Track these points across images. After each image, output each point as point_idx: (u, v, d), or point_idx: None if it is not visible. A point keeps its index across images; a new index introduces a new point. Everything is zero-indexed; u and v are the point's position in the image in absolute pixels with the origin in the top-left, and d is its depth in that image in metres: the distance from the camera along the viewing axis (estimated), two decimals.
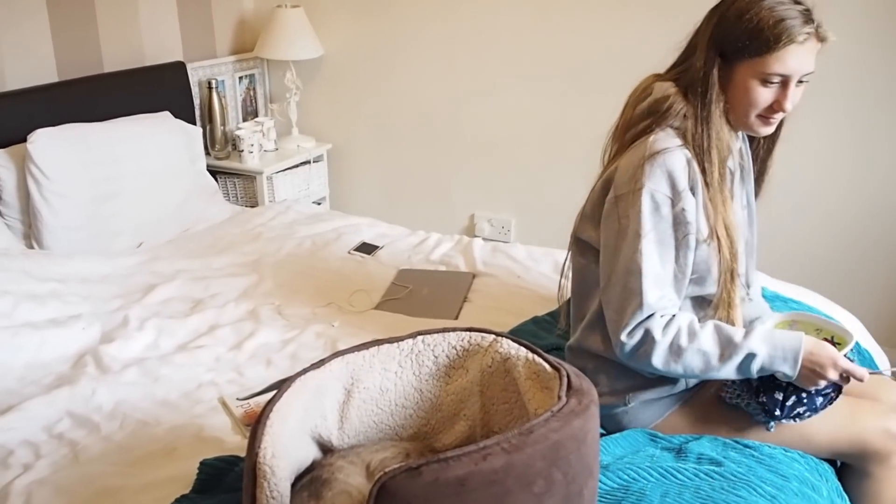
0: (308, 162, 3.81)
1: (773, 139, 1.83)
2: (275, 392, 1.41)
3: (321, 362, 1.53)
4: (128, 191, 2.86)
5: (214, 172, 3.58)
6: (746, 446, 1.72)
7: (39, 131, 2.69)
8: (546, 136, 3.55)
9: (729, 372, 1.63)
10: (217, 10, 3.76)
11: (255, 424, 1.34)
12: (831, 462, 1.84)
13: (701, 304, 1.75)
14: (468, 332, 1.58)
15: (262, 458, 1.29)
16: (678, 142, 1.64)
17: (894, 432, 1.74)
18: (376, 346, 1.57)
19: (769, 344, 1.60)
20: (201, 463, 1.62)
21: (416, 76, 3.74)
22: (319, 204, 3.90)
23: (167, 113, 3.24)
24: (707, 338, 1.62)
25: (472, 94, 3.64)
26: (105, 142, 2.85)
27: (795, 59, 1.57)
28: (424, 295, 2.50)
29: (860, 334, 2.40)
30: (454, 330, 1.60)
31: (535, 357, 1.49)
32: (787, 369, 1.60)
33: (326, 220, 3.11)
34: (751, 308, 1.91)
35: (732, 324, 1.69)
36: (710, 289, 1.71)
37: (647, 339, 1.62)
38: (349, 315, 2.37)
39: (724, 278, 1.68)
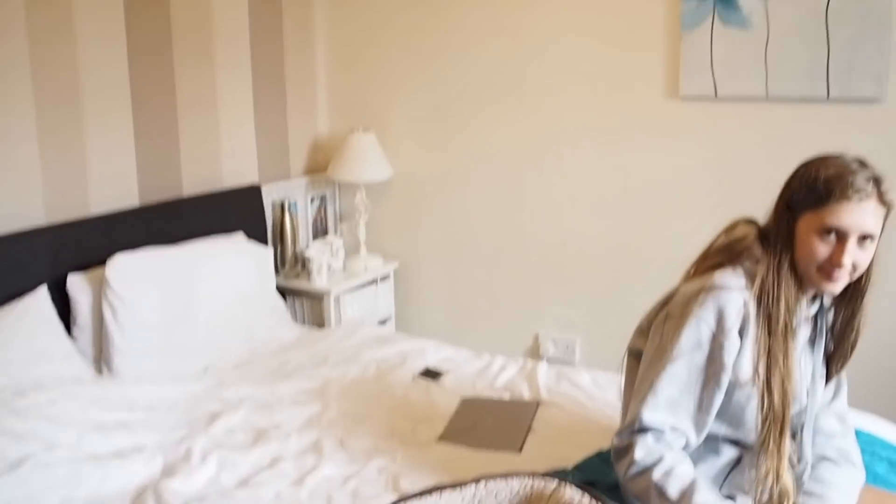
0: (375, 281, 3.86)
1: (853, 310, 1.80)
2: None
3: None
4: (200, 314, 2.93)
5: (283, 292, 3.65)
6: None
7: (118, 256, 2.78)
8: (609, 256, 3.56)
9: None
10: (293, 134, 3.91)
11: None
12: None
13: (740, 448, 1.75)
14: (531, 478, 1.56)
15: None
16: (742, 283, 1.68)
17: None
18: (439, 492, 1.56)
19: None
20: None
21: (481, 196, 3.80)
22: (385, 323, 3.93)
23: (241, 234, 3.34)
24: (675, 485, 1.62)
25: (537, 213, 3.68)
26: (180, 266, 2.94)
27: (850, 215, 1.61)
28: (488, 426, 2.47)
29: None
30: (517, 475, 1.58)
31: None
32: None
33: (392, 343, 3.12)
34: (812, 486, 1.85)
35: (779, 478, 1.66)
36: (748, 436, 1.72)
37: (629, 452, 1.66)
38: (412, 447, 2.34)
39: (771, 429, 1.66)
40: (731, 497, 1.78)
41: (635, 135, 3.42)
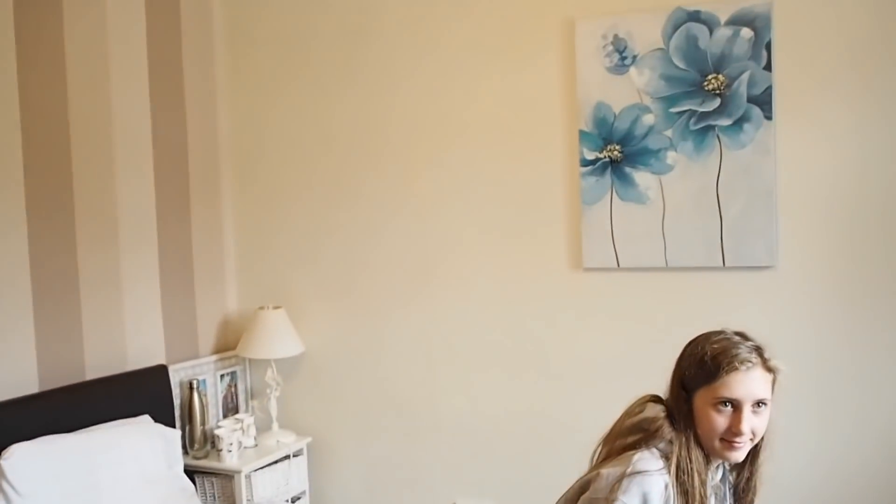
0: (288, 457, 3.80)
1: (751, 471, 1.89)
2: None
3: None
4: (101, 500, 2.83)
5: (192, 472, 3.57)
6: None
7: (14, 447, 2.70)
8: (522, 422, 3.59)
9: None
10: (201, 313, 3.91)
11: None
12: None
13: None
14: None
15: None
16: (660, 465, 1.74)
17: None
18: None
19: None
20: None
21: (393, 369, 3.83)
22: (299, 499, 3.84)
23: (147, 417, 3.27)
24: None
25: (448, 383, 3.72)
26: (81, 453, 2.86)
27: (740, 385, 1.73)
28: None
29: None
30: None
31: None
32: None
33: None
34: None
35: None
36: None
37: None
38: None
39: None
40: None
41: (542, 304, 3.53)
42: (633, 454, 1.76)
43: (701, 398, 1.75)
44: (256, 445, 3.80)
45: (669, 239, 3.24)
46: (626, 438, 1.82)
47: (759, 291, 3.19)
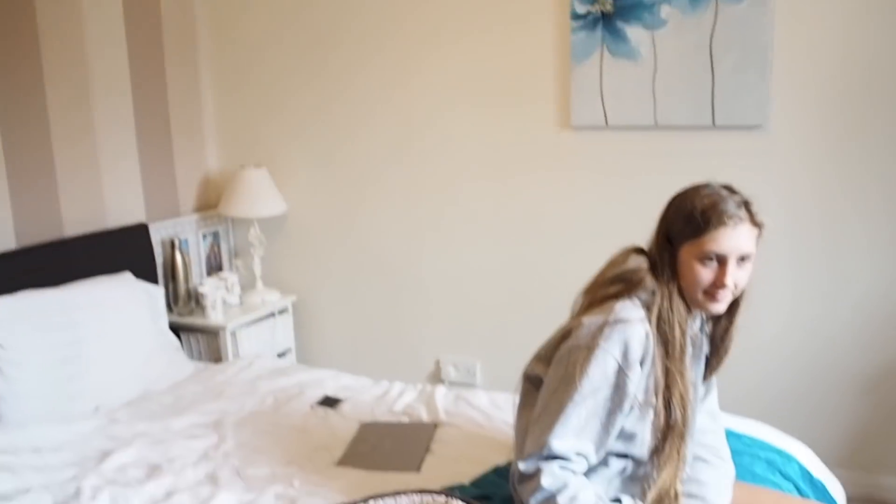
0: (273, 315, 3.83)
1: (729, 321, 1.90)
2: None
3: None
4: (87, 355, 2.85)
5: (178, 329, 3.60)
6: None
7: None
8: (507, 281, 3.62)
9: None
10: (180, 171, 3.85)
11: None
12: None
13: (627, 459, 1.82)
14: (420, 495, 1.58)
15: None
16: (641, 314, 1.75)
17: None
18: None
19: None
20: None
21: (377, 227, 3.83)
22: (284, 355, 3.90)
23: (128, 274, 3.26)
24: None
25: (434, 242, 3.73)
26: (64, 307, 2.86)
27: (728, 239, 1.72)
28: (387, 449, 2.48)
29: (809, 462, 2.42)
30: (406, 492, 1.60)
31: None
32: None
33: (289, 374, 3.10)
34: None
35: (677, 482, 1.78)
36: (638, 450, 1.79)
37: (535, 478, 1.71)
38: (310, 473, 2.33)
39: (674, 441, 1.76)
40: (617, 500, 1.84)
41: (529, 164, 3.50)
42: (615, 303, 1.76)
43: (687, 251, 1.75)
44: (241, 303, 3.82)
45: (660, 97, 3.18)
46: (608, 288, 1.83)
47: (747, 152, 3.16)
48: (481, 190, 3.60)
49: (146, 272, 3.43)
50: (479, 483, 2.18)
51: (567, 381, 1.72)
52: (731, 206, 1.73)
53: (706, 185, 1.79)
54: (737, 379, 3.29)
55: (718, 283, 1.73)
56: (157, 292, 3.33)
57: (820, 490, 2.35)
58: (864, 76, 2.99)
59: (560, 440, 1.70)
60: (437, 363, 3.84)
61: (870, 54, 2.97)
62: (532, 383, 1.90)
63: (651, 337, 1.73)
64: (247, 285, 3.98)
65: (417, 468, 2.37)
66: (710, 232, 1.71)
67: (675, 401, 1.74)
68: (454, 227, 3.68)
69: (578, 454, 1.72)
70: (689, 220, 1.73)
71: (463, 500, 1.54)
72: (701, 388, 1.95)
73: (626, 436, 1.77)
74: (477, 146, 3.57)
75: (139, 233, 3.50)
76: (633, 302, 1.76)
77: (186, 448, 2.50)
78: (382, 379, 3.13)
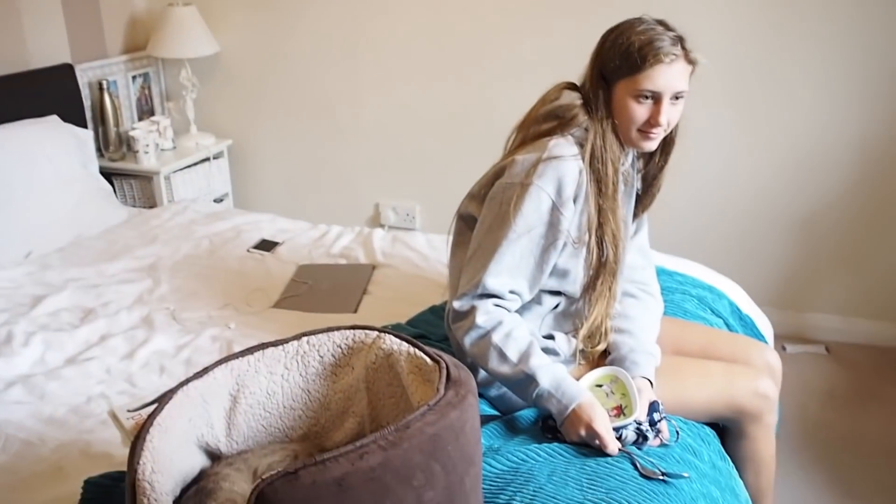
0: (208, 159, 3.75)
1: (664, 160, 1.90)
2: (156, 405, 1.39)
3: (204, 371, 1.52)
4: (15, 200, 2.78)
5: (110, 175, 3.51)
6: None
7: None
8: (446, 123, 3.57)
9: (511, 385, 1.74)
10: (106, 10, 3.66)
11: (134, 440, 1.32)
12: (714, 425, 1.92)
13: (559, 296, 1.85)
14: (352, 331, 1.59)
15: (142, 474, 1.27)
16: (575, 151, 1.72)
17: (763, 392, 1.87)
18: (261, 351, 1.57)
19: (555, 384, 1.67)
20: (85, 482, 1.57)
21: (314, 68, 3.71)
22: (221, 201, 3.85)
23: (55, 117, 3.15)
24: (514, 347, 1.70)
25: (371, 84, 3.64)
26: None
27: (663, 77, 1.68)
28: (324, 290, 2.50)
29: (739, 299, 2.49)
30: (338, 329, 1.60)
31: (417, 351, 1.50)
32: (554, 412, 1.68)
33: (226, 219, 3.07)
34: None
35: (608, 317, 1.84)
36: (571, 287, 1.81)
37: (470, 316, 1.73)
38: (247, 316, 2.34)
39: (606, 279, 1.79)
40: (549, 336, 1.87)
41: (462, 5, 3.39)
42: (549, 140, 1.74)
43: (622, 89, 1.71)
44: (175, 148, 3.74)
45: None
46: (540, 125, 1.80)
47: None
48: (418, 27, 3.49)
49: (73, 115, 3.32)
50: (414, 322, 2.22)
51: (501, 219, 1.71)
52: (666, 42, 1.68)
53: (641, 21, 1.73)
54: (673, 220, 3.37)
55: (653, 121, 1.72)
56: (86, 136, 3.23)
57: (749, 325, 2.43)
58: None
59: (494, 278, 1.71)
60: (377, 207, 3.82)
61: None
62: (465, 222, 1.89)
63: (584, 174, 1.72)
64: (180, 129, 3.88)
65: (354, 309, 2.40)
66: (646, 70, 1.67)
67: (608, 238, 1.75)
68: (392, 66, 3.58)
69: (512, 292, 1.73)
70: (626, 57, 1.69)
71: (395, 335, 1.54)
72: (632, 225, 1.97)
73: (560, 273, 1.78)
74: None
75: (64, 74, 3.35)
76: (566, 139, 1.74)
77: (120, 293, 2.49)
78: (321, 223, 3.11)
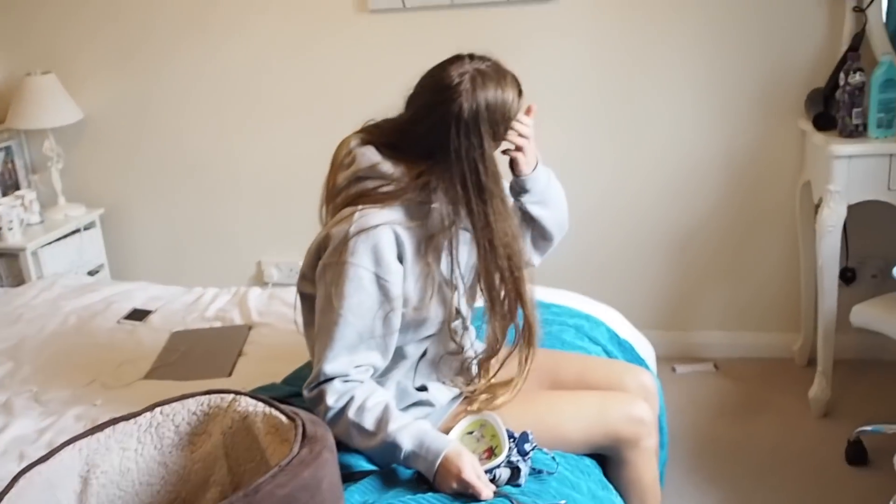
0: (78, 231, 3.63)
1: None
2: None
3: (50, 453, 1.44)
4: None
5: None
6: None
7: None
8: (320, 173, 3.53)
9: (379, 456, 1.70)
10: None
11: None
12: (596, 455, 1.91)
13: (425, 340, 1.81)
14: (207, 396, 1.53)
15: None
16: (385, 217, 1.66)
17: (637, 416, 1.86)
18: (111, 427, 1.50)
19: (417, 442, 1.64)
20: None
21: (183, 127, 3.65)
22: (94, 274, 3.72)
23: None
24: (370, 418, 1.65)
25: (245, 139, 3.60)
26: None
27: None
28: (197, 356, 2.42)
29: (617, 325, 2.51)
30: (193, 396, 1.54)
31: (272, 410, 1.45)
32: (423, 470, 1.65)
33: (95, 291, 2.95)
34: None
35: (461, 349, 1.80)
36: (431, 329, 1.78)
37: (322, 400, 1.67)
38: (115, 390, 2.25)
39: (445, 329, 1.77)
40: (422, 388, 1.84)
41: (331, 49, 3.39)
42: (352, 212, 1.67)
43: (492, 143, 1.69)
44: (42, 221, 3.62)
45: None
46: (348, 190, 1.73)
47: (542, 24, 3.18)
48: (285, 78, 3.47)
49: None
50: (290, 380, 2.16)
51: (328, 301, 1.66)
52: (514, 97, 1.72)
53: (463, 71, 1.69)
54: (555, 254, 3.39)
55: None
56: None
57: (628, 350, 2.45)
58: None
59: (332, 363, 1.65)
60: (259, 265, 3.76)
61: None
62: (305, 300, 1.83)
63: (403, 236, 1.67)
64: (49, 202, 3.74)
65: (229, 373, 2.33)
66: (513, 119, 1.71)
67: (433, 296, 1.72)
68: (262, 118, 3.55)
69: (358, 367, 1.68)
70: (478, 126, 1.64)
71: (251, 397, 1.49)
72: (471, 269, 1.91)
73: (413, 326, 1.75)
74: (279, 30, 3.43)
75: None
76: (375, 205, 1.67)
77: None
78: (198, 287, 3.02)
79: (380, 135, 1.77)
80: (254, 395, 1.50)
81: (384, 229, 1.65)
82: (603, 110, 3.25)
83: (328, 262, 1.67)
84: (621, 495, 1.90)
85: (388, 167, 1.69)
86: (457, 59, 1.72)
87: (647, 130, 3.25)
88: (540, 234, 1.96)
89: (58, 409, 2.16)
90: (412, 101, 1.75)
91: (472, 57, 1.72)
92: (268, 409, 1.46)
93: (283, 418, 1.42)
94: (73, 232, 3.63)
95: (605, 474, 1.92)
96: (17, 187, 3.76)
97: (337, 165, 1.78)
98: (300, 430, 1.37)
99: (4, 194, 3.67)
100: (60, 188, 3.69)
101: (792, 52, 3.08)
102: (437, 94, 1.68)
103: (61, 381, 2.32)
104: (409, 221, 1.69)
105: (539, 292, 2.56)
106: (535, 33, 3.17)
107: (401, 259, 1.67)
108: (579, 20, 3.16)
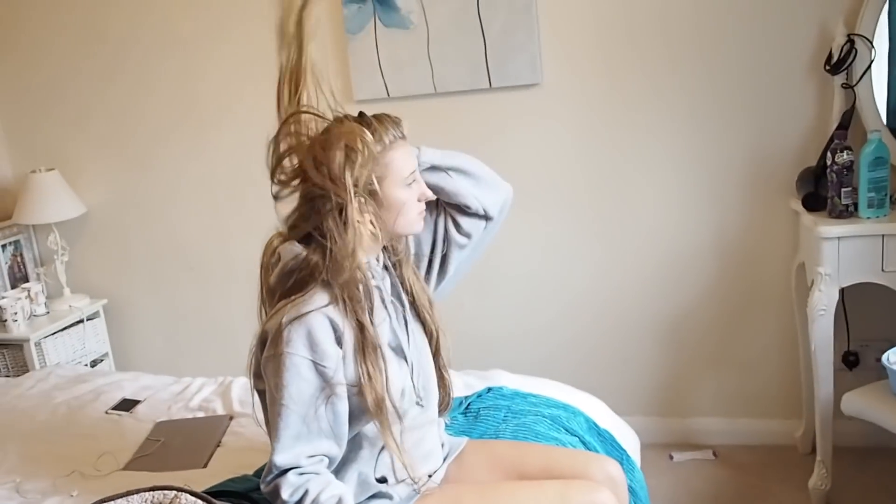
0: (82, 322, 3.70)
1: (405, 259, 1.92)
2: None
3: None
4: None
5: None
6: None
7: None
8: None
9: None
10: None
11: None
12: None
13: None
14: (150, 493, 1.56)
15: None
16: (318, 301, 1.68)
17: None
18: None
19: None
20: None
21: (180, 219, 3.75)
22: (99, 363, 3.78)
23: None
24: None
25: (237, 228, 3.67)
26: None
27: (408, 155, 1.81)
28: (176, 446, 2.44)
29: (599, 413, 2.49)
30: (137, 491, 1.57)
31: None
32: None
33: (88, 381, 2.99)
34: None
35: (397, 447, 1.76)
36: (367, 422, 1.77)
37: (277, 494, 1.65)
38: (93, 480, 2.27)
39: (380, 416, 1.72)
40: (383, 480, 1.84)
41: None
42: (286, 304, 1.69)
43: (388, 188, 1.73)
44: (48, 313, 3.70)
45: (436, 63, 3.23)
46: (282, 287, 1.74)
47: (525, 110, 3.25)
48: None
49: None
50: (261, 471, 2.16)
51: (271, 395, 1.67)
52: (388, 128, 1.75)
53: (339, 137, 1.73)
54: (539, 338, 3.41)
55: (425, 196, 1.81)
56: None
57: (608, 440, 2.40)
58: (624, 24, 3.11)
59: (282, 455, 1.65)
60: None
61: (627, 5, 3.09)
62: (261, 396, 1.83)
63: (336, 319, 1.67)
64: (55, 293, 3.84)
65: (204, 464, 2.34)
66: (393, 153, 1.74)
67: (365, 379, 1.71)
68: (254, 208, 3.61)
69: (311, 457, 1.68)
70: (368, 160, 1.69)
71: (192, 494, 1.51)
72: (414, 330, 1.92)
73: (363, 413, 1.74)
74: (265, 122, 3.49)
75: None
76: (309, 294, 1.68)
77: None
78: (215, 374, 3.03)
79: (293, 229, 1.80)
80: (194, 492, 1.52)
81: (315, 315, 1.65)
82: (587, 194, 3.28)
83: (267, 355, 1.69)
84: None
85: (309, 254, 1.72)
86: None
87: (633, 213, 3.27)
88: (456, 209, 1.98)
89: (35, 499, 2.18)
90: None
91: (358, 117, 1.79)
92: None
93: None
94: (77, 322, 3.70)
95: None
96: (27, 279, 3.86)
97: (266, 267, 1.79)
98: None
99: (13, 286, 3.77)
100: (65, 280, 3.79)
101: (782, 130, 3.07)
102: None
103: (44, 471, 2.34)
104: (336, 300, 1.69)
105: (517, 381, 2.59)
106: (518, 118, 3.24)
107: (339, 342, 1.68)
108: (562, 104, 3.22)
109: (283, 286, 1.73)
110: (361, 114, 1.79)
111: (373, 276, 1.78)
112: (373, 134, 1.71)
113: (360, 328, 1.70)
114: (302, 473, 1.67)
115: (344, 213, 1.68)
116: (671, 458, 3.31)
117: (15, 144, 3.86)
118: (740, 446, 3.37)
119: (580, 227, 3.32)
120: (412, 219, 1.79)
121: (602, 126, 3.21)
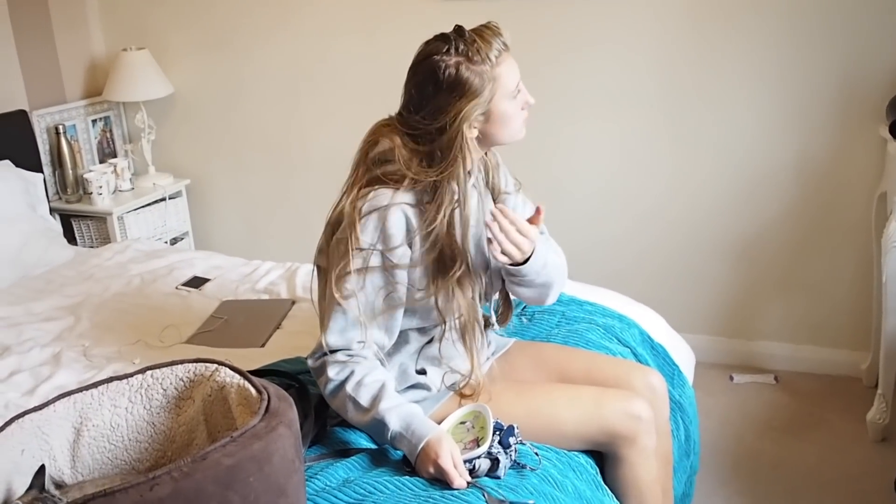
0: (164, 199, 3.82)
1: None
2: None
3: (45, 404, 1.56)
4: None
5: (70, 216, 3.62)
6: None
7: None
8: None
9: (369, 431, 1.77)
10: (63, 56, 3.76)
11: None
12: (596, 456, 1.90)
13: (429, 331, 1.86)
14: (194, 364, 1.62)
15: None
16: (399, 198, 1.71)
17: (635, 413, 1.83)
18: (105, 384, 1.60)
19: (404, 424, 1.69)
20: None
21: (264, 105, 3.79)
22: (179, 240, 3.91)
23: (7, 162, 3.24)
24: (366, 394, 1.71)
25: (316, 119, 3.71)
26: None
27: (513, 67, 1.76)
28: (238, 325, 2.53)
29: (655, 328, 2.48)
30: (181, 362, 1.63)
31: (245, 383, 1.53)
32: (406, 452, 1.70)
33: (162, 257, 3.12)
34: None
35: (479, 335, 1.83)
36: (431, 321, 1.82)
37: (324, 371, 1.74)
38: (156, 351, 2.38)
39: (465, 317, 1.79)
40: (422, 371, 1.88)
41: (397, 36, 3.44)
42: (368, 192, 1.72)
43: (496, 103, 1.72)
44: (133, 189, 3.82)
45: None
46: (372, 172, 1.76)
47: (611, 16, 3.15)
48: (358, 61, 3.56)
49: (27, 160, 3.41)
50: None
51: (337, 275, 1.72)
52: (492, 43, 1.70)
53: (446, 50, 1.72)
54: (609, 251, 3.38)
55: (528, 103, 1.79)
56: (35, 179, 3.32)
57: (661, 354, 2.39)
58: None
59: (335, 336, 1.72)
60: None
61: None
62: (320, 273, 1.89)
63: (413, 220, 1.71)
64: (140, 170, 3.96)
65: (262, 344, 2.42)
66: (499, 69, 1.70)
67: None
68: (332, 100, 3.65)
69: (361, 342, 1.73)
70: (479, 79, 1.68)
71: (230, 368, 1.57)
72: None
73: (420, 314, 1.80)
74: (350, 17, 3.52)
75: (18, 120, 3.45)
76: (388, 186, 1.72)
77: (41, 330, 2.54)
78: (283, 259, 3.12)
79: (402, 122, 1.80)
80: (233, 367, 1.57)
81: (394, 209, 1.70)
82: (666, 104, 3.19)
83: (339, 237, 1.74)
84: (619, 497, 1.88)
85: (404, 152, 1.73)
86: (442, 41, 1.74)
87: (712, 130, 3.17)
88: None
89: (100, 364, 2.31)
90: (412, 88, 1.80)
91: (457, 34, 1.73)
92: (242, 381, 1.53)
93: (253, 391, 1.49)
94: (160, 200, 3.82)
95: (604, 476, 1.91)
96: (115, 155, 3.99)
97: (366, 146, 1.82)
98: (265, 403, 1.44)
99: (101, 161, 3.90)
100: (151, 158, 3.89)
101: (875, 53, 2.93)
102: (435, 85, 1.72)
103: (111, 339, 2.47)
104: (421, 204, 1.73)
105: (575, 288, 2.58)
106: (603, 24, 3.15)
107: (410, 241, 1.72)
108: (651, 9, 3.11)
109: (374, 172, 1.75)
110: (460, 28, 1.74)
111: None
112: (478, 53, 1.68)
113: (448, 228, 1.72)
114: (351, 355, 1.74)
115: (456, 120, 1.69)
116: (731, 378, 3.29)
117: (108, 21, 3.93)
118: (803, 373, 3.32)
119: (656, 139, 3.24)
120: (517, 128, 1.79)
121: (688, 36, 3.10)
